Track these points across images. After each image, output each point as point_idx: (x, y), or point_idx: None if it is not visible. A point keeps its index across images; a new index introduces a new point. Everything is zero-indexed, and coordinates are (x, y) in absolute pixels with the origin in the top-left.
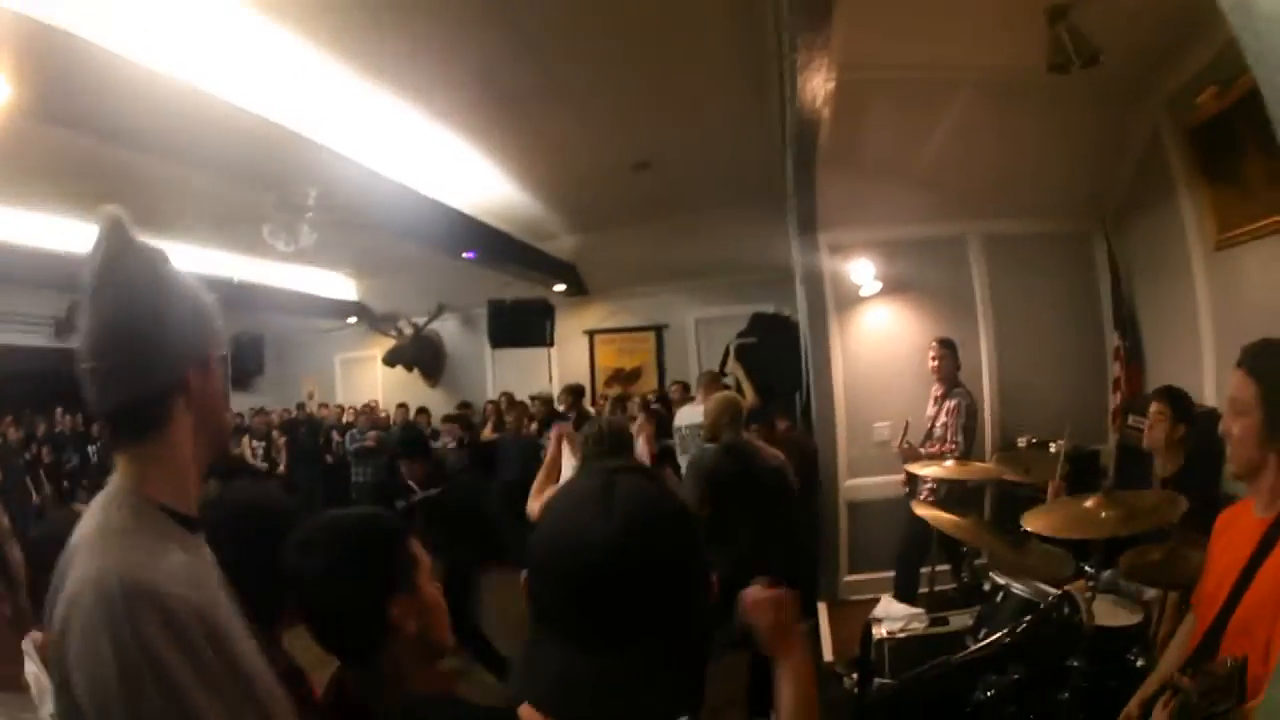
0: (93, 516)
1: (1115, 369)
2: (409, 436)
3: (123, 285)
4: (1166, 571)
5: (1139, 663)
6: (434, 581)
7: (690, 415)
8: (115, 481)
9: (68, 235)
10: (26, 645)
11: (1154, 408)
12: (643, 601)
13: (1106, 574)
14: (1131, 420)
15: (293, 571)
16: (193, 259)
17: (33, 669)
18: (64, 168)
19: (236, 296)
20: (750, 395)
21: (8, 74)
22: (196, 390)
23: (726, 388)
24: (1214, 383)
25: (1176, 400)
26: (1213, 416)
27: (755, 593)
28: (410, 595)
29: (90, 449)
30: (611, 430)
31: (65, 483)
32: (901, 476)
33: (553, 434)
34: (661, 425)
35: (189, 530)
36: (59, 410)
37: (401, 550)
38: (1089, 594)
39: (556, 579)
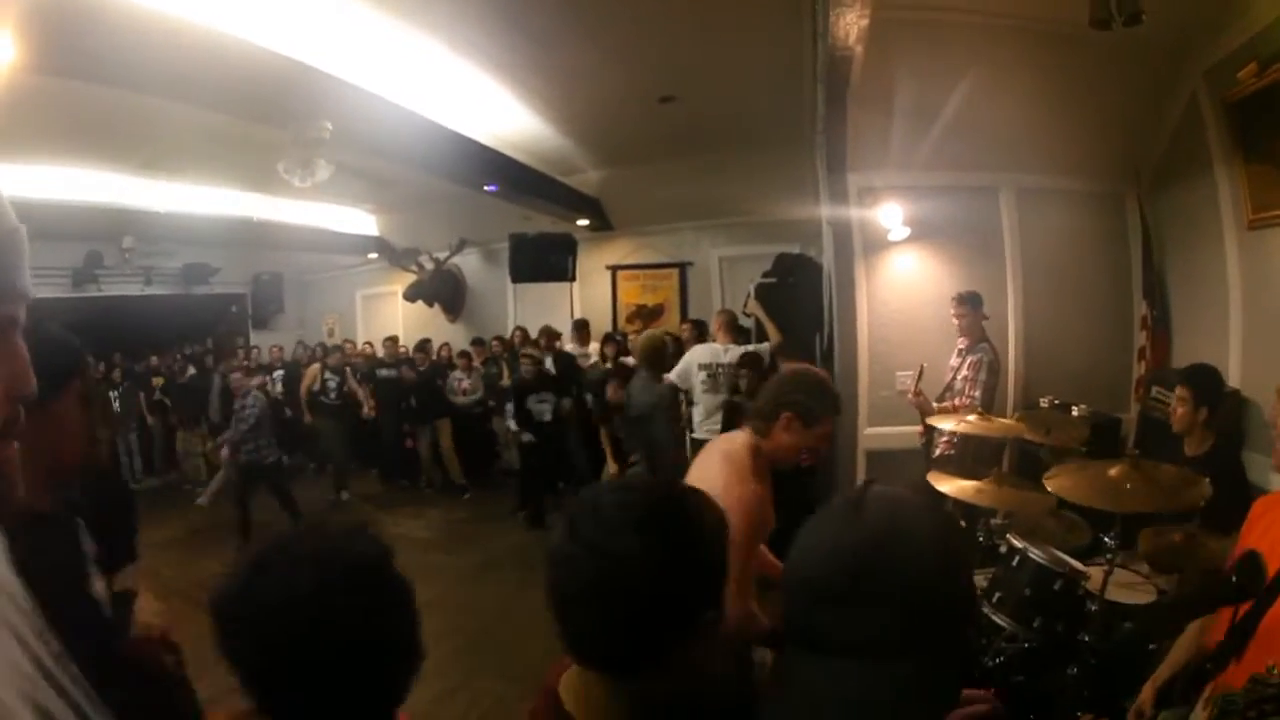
0: None
1: (1141, 338)
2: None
3: None
4: (1185, 556)
5: (1151, 645)
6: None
7: (705, 354)
8: None
9: (84, 187)
10: None
11: (1178, 391)
12: (891, 609)
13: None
14: (1155, 392)
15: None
16: (211, 200)
17: None
18: (75, 120)
19: (256, 235)
20: (774, 335)
21: (11, 32)
22: None
23: (745, 329)
24: (1240, 361)
25: (1202, 383)
26: (1237, 399)
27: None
28: None
29: (112, 395)
30: None
31: None
32: (921, 428)
33: None
34: None
35: None
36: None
37: None
38: (1107, 567)
39: (809, 588)
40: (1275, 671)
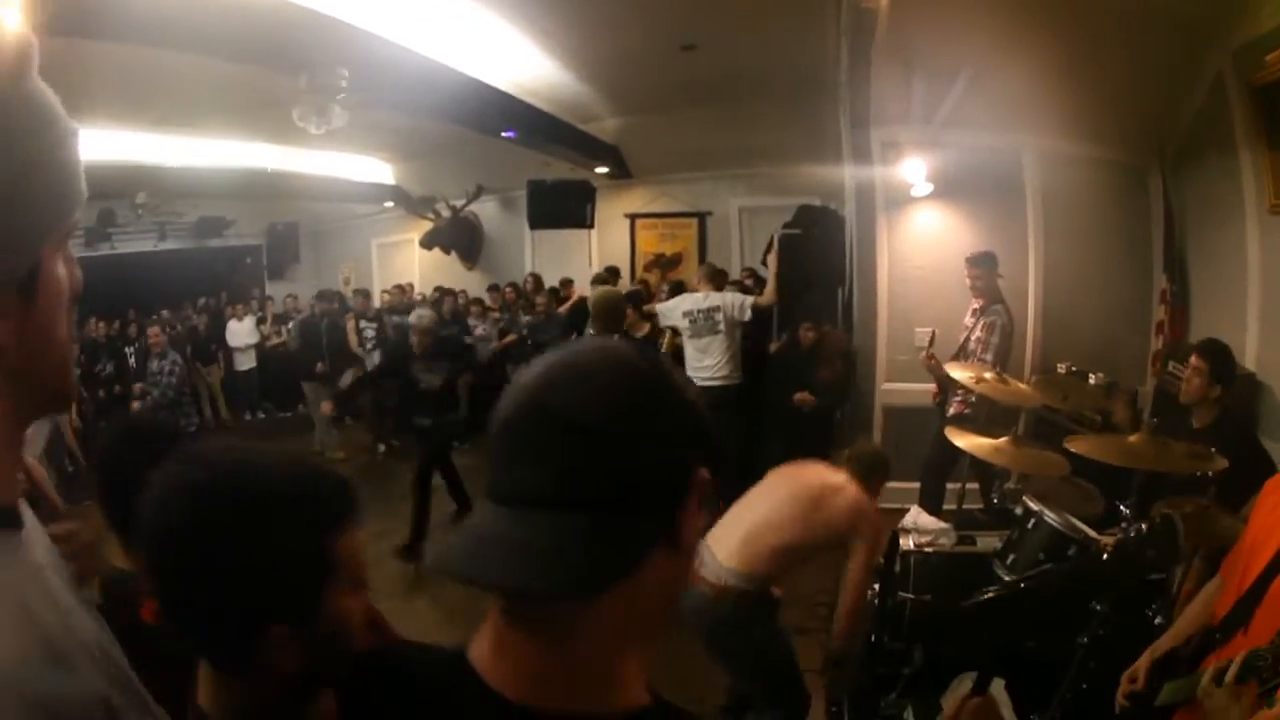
0: None
1: (1160, 312)
2: None
3: None
4: (1196, 528)
5: (1156, 620)
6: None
7: (688, 301)
8: None
9: (96, 145)
10: None
11: (1193, 360)
12: (565, 456)
13: None
14: (1171, 367)
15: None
16: (224, 152)
17: None
18: (86, 78)
19: (270, 187)
20: (769, 294)
21: None
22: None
23: (724, 273)
24: (1257, 345)
25: (1217, 357)
26: (1251, 382)
27: None
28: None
29: (128, 350)
30: None
31: (101, 391)
32: (934, 389)
33: None
34: None
35: (5, 527)
36: (93, 319)
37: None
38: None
39: (494, 428)
40: None
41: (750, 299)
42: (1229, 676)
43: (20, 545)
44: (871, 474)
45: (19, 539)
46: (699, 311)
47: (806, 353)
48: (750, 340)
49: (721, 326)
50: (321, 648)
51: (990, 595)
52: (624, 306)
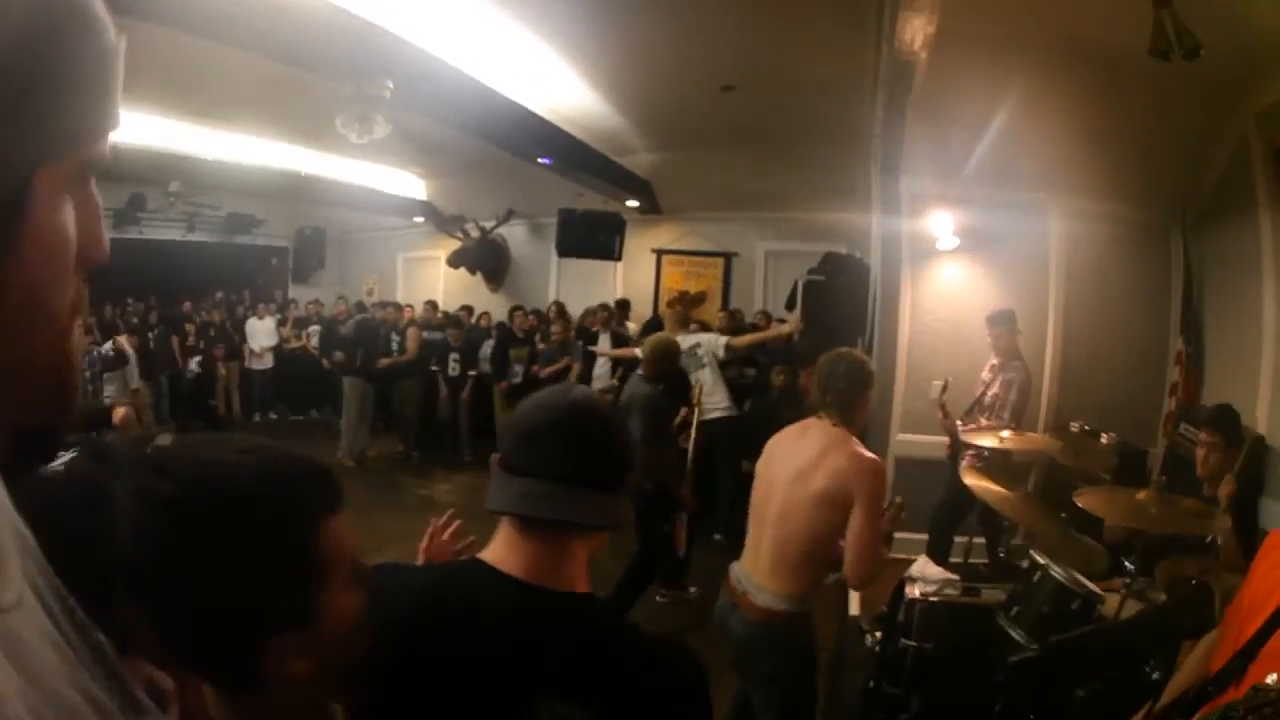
0: None
1: (1175, 373)
2: None
3: None
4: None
5: (1154, 675)
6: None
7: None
8: None
9: (133, 128)
10: None
11: (1204, 437)
12: (584, 447)
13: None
14: (1183, 428)
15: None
16: (260, 150)
17: None
18: (130, 60)
19: (303, 189)
20: (746, 339)
21: None
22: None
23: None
24: (1268, 409)
25: (1227, 427)
26: (1261, 446)
27: None
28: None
29: (149, 335)
30: None
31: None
32: (947, 441)
33: None
34: None
35: None
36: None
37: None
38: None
39: (523, 433)
40: (1276, 679)
41: (724, 339)
42: None
43: None
44: (850, 399)
45: None
46: (686, 349)
47: (776, 397)
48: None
49: (705, 360)
50: (329, 650)
51: (1020, 659)
52: (677, 351)
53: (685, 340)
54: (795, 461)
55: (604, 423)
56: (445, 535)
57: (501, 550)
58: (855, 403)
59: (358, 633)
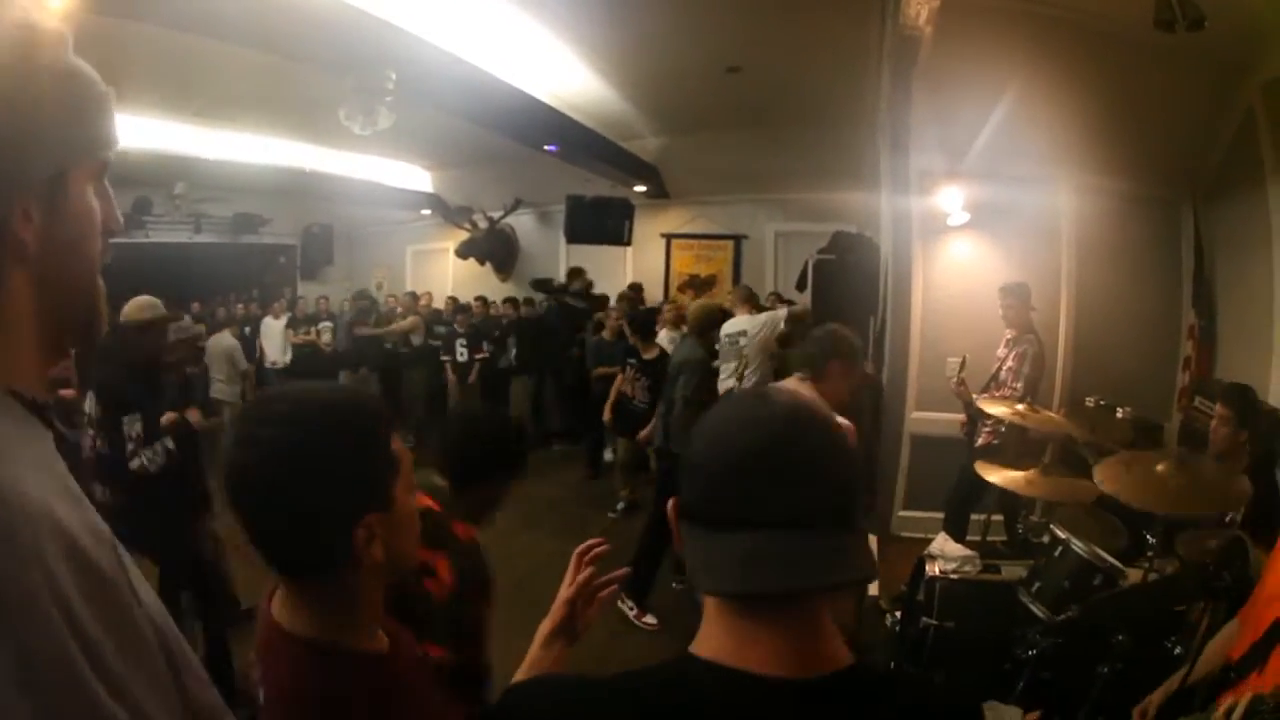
0: None
1: (1188, 347)
2: None
3: None
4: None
5: (1176, 650)
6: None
7: (729, 325)
8: None
9: (135, 132)
10: None
11: (1218, 409)
12: (822, 475)
13: None
14: (1198, 401)
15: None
16: (264, 149)
17: None
18: (129, 64)
19: (308, 186)
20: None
21: None
22: (72, 203)
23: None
24: None
25: (1241, 403)
26: (1274, 418)
27: None
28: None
29: None
30: None
31: None
32: (963, 418)
33: None
34: None
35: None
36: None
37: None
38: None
39: (727, 466)
40: None
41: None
42: (1235, 717)
43: (48, 440)
44: (818, 362)
45: (48, 440)
46: (725, 337)
47: None
48: None
49: (745, 350)
50: (396, 536)
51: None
52: (720, 318)
53: (734, 325)
54: None
55: (840, 437)
56: (585, 573)
57: (733, 642)
58: (823, 368)
59: (415, 524)
